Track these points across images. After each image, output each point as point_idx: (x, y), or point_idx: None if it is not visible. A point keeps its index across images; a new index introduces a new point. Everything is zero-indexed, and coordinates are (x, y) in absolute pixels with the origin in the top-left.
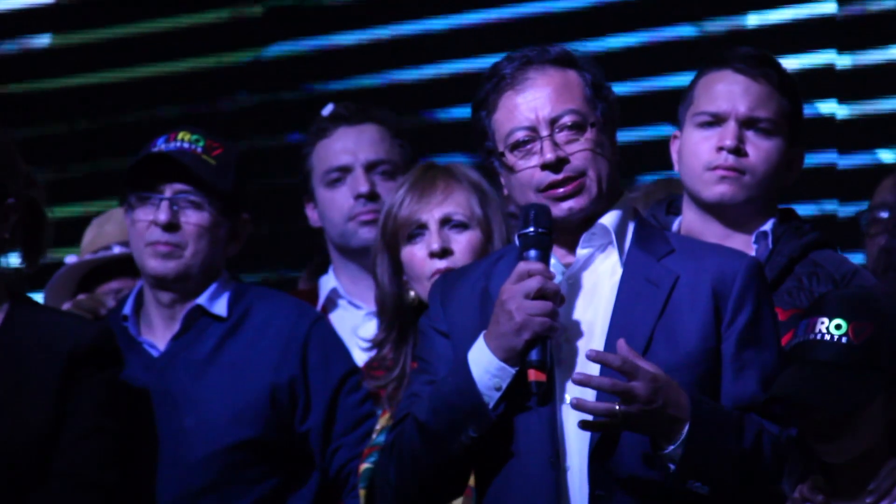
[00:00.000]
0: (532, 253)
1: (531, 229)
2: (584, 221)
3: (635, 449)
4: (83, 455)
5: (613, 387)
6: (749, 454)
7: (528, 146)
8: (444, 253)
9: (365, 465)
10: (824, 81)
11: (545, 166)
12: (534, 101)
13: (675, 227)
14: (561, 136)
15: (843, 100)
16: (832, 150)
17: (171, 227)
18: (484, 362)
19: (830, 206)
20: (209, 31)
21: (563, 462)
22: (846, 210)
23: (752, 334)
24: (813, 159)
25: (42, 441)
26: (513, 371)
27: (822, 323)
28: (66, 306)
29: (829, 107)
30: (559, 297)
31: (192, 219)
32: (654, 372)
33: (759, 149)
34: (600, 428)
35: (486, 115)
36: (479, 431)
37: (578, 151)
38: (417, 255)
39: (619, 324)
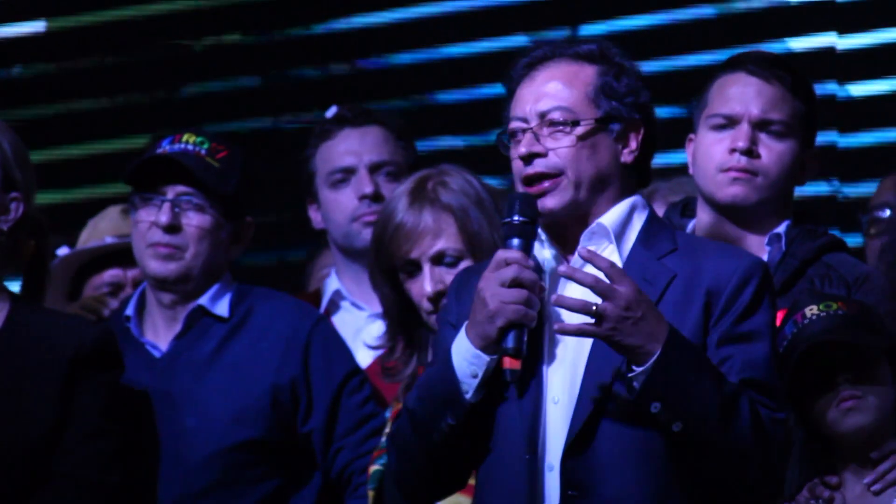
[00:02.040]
0: (514, 241)
1: (514, 218)
2: (580, 219)
3: (611, 448)
4: (86, 457)
5: (596, 283)
6: (727, 401)
7: (518, 137)
8: (439, 297)
9: (374, 467)
10: (825, 110)
11: (521, 158)
12: (533, 93)
13: (689, 228)
14: (545, 131)
15: (843, 130)
16: (834, 179)
17: (172, 228)
18: (463, 350)
19: None
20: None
21: (542, 459)
22: (847, 240)
23: (739, 331)
24: (814, 188)
25: (45, 443)
26: (487, 359)
27: (811, 309)
28: (70, 306)
29: (830, 136)
30: (537, 286)
31: (194, 221)
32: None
33: (771, 151)
34: (575, 333)
35: (506, 103)
36: (456, 419)
37: (560, 148)
38: (414, 290)
39: None
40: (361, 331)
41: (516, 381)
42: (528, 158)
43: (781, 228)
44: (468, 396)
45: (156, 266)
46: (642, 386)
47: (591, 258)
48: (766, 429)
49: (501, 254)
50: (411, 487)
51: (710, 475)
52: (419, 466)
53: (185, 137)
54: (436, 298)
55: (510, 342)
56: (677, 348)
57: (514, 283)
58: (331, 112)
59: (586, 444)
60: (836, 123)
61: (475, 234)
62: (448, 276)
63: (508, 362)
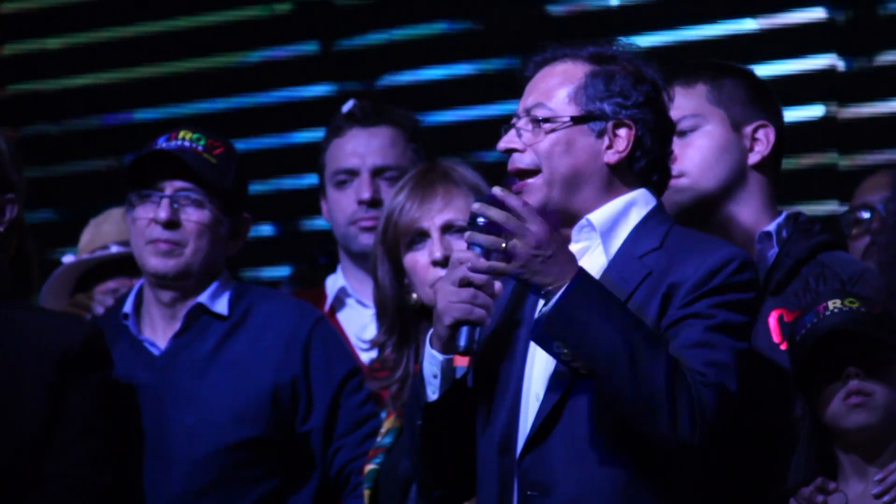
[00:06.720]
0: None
1: (479, 220)
2: (568, 215)
3: (570, 447)
4: (77, 456)
5: (507, 221)
6: (638, 347)
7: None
8: (447, 262)
9: (370, 467)
10: (825, 131)
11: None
12: (528, 90)
13: None
14: (528, 127)
15: (843, 151)
16: (833, 199)
17: (172, 224)
18: (427, 351)
19: None
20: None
21: (514, 457)
22: None
23: (698, 311)
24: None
25: (35, 443)
26: (442, 358)
27: (834, 303)
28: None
29: (830, 157)
30: (490, 285)
31: (193, 216)
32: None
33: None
34: (487, 271)
35: None
36: (421, 419)
37: (536, 144)
38: (420, 262)
39: None
40: (366, 328)
41: (470, 378)
42: (509, 153)
43: (772, 227)
44: (430, 396)
45: (156, 262)
46: (543, 324)
47: (503, 198)
48: (686, 384)
49: (454, 255)
50: (425, 487)
51: (623, 424)
52: (420, 468)
53: (181, 134)
54: (444, 263)
55: (462, 340)
56: (584, 290)
57: (464, 283)
58: (347, 106)
59: (543, 443)
60: (837, 145)
61: None
62: (456, 247)
63: (458, 360)
